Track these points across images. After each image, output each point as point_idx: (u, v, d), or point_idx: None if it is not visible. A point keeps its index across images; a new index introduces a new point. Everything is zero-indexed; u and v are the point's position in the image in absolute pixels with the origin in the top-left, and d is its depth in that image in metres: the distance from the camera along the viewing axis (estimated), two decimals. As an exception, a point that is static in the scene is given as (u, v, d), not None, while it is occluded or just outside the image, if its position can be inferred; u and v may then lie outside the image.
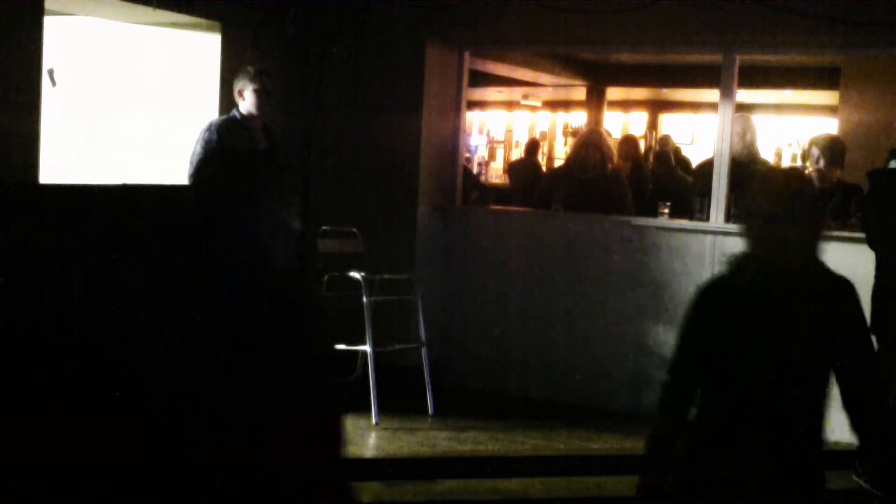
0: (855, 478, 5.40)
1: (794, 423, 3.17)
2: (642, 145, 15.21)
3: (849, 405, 3.23)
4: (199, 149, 5.84)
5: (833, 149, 6.33)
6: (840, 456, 5.58)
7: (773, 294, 3.13)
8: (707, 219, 6.54)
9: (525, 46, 8.91)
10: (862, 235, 6.04)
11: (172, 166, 6.33)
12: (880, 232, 5.47)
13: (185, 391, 4.03)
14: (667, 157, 10.22)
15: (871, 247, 5.51)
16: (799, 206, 3.19)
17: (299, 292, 3.60)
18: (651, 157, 14.54)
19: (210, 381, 3.46)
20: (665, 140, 12.29)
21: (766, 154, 10.35)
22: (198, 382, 3.87)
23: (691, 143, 14.65)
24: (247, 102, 5.94)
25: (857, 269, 5.87)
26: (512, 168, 13.69)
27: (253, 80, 5.92)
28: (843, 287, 3.21)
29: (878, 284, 5.47)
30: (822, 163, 6.27)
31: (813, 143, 6.46)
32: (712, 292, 3.26)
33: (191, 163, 5.87)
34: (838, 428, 5.79)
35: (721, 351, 3.17)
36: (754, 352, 3.14)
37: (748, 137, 6.85)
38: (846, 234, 6.15)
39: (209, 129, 5.87)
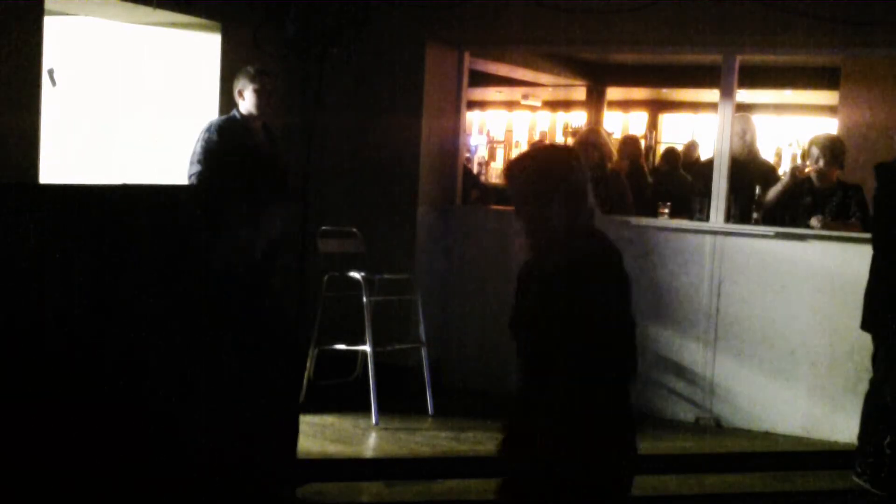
0: (855, 478, 5.40)
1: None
2: (642, 145, 15.22)
3: None
4: (199, 149, 5.84)
5: (833, 149, 6.34)
6: (839, 456, 5.59)
7: (535, 275, 3.13)
8: (707, 219, 6.54)
9: (525, 46, 8.91)
10: (861, 235, 6.05)
11: (172, 166, 6.33)
12: (881, 229, 5.47)
13: (184, 389, 4.01)
14: (674, 155, 10.21)
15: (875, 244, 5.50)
16: (553, 187, 3.11)
17: (272, 291, 3.60)
18: (652, 157, 14.54)
19: (208, 380, 3.46)
20: (693, 145, 12.29)
21: (766, 154, 10.35)
22: (197, 381, 3.86)
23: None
24: (247, 102, 5.94)
25: (858, 269, 5.89)
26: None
27: (253, 80, 5.92)
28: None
29: (874, 283, 5.46)
30: (822, 163, 6.28)
31: (813, 143, 6.47)
32: (520, 272, 3.24)
33: (191, 163, 5.87)
34: (839, 428, 5.82)
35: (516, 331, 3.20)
36: (523, 333, 3.17)
37: (748, 137, 6.86)
38: (845, 234, 6.16)
39: (209, 129, 5.87)
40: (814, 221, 6.27)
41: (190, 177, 5.84)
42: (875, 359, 5.48)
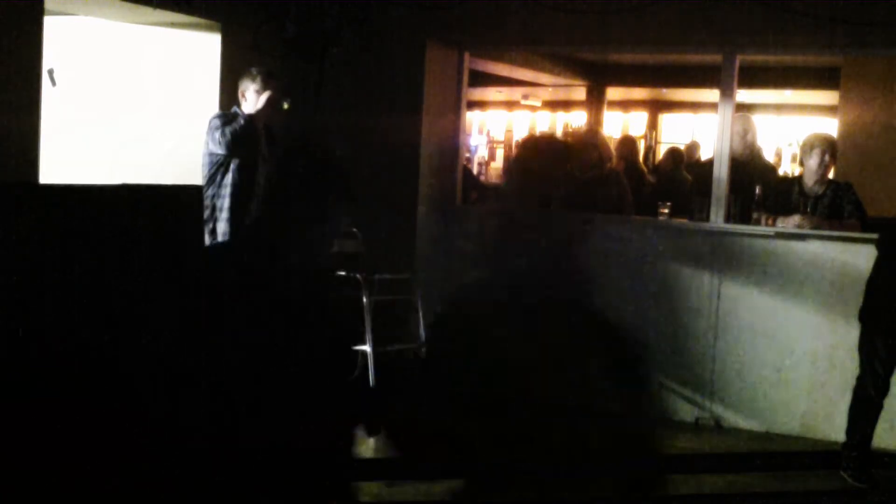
0: (841, 472, 5.46)
1: None
2: (642, 145, 15.24)
3: None
4: (217, 134, 5.64)
5: (834, 149, 6.34)
6: (839, 456, 5.60)
7: None
8: (707, 219, 6.54)
9: (525, 46, 8.91)
10: (860, 235, 6.06)
11: (172, 166, 6.33)
12: None
13: (186, 389, 4.03)
14: (679, 155, 10.21)
15: None
16: None
17: (309, 291, 3.62)
18: (652, 157, 14.54)
19: (212, 379, 3.47)
20: (694, 146, 12.29)
21: (767, 154, 10.36)
22: (199, 380, 3.87)
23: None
24: (248, 104, 5.90)
25: (857, 269, 5.90)
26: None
27: (256, 83, 5.84)
28: None
29: (872, 274, 5.53)
30: (815, 161, 6.29)
31: (806, 142, 6.47)
32: None
33: (211, 151, 5.69)
34: (838, 428, 5.82)
35: None
36: None
37: (749, 137, 6.86)
38: (845, 234, 6.16)
39: (219, 116, 5.75)
40: (797, 220, 6.26)
41: (216, 144, 5.58)
42: (860, 349, 5.54)
